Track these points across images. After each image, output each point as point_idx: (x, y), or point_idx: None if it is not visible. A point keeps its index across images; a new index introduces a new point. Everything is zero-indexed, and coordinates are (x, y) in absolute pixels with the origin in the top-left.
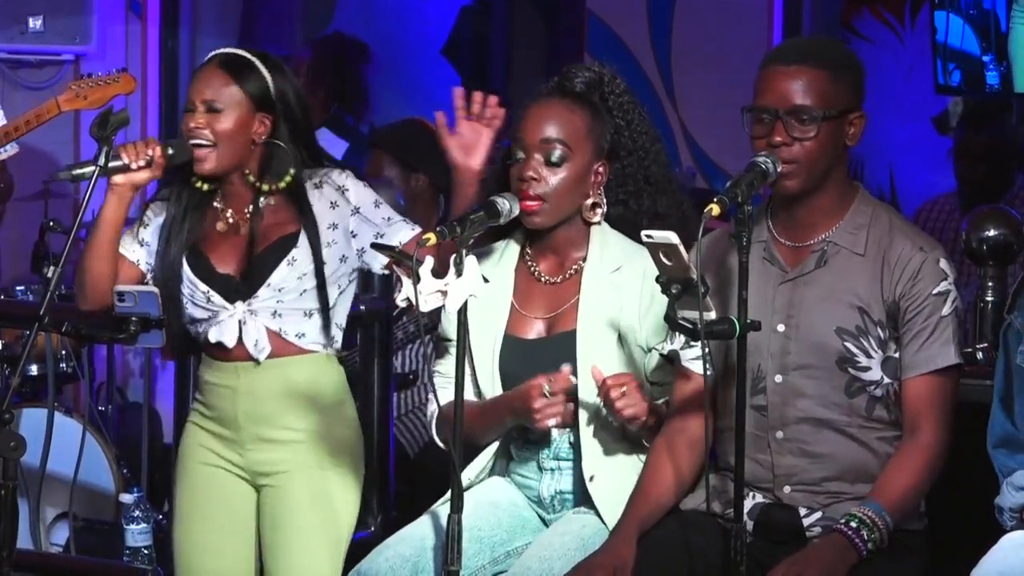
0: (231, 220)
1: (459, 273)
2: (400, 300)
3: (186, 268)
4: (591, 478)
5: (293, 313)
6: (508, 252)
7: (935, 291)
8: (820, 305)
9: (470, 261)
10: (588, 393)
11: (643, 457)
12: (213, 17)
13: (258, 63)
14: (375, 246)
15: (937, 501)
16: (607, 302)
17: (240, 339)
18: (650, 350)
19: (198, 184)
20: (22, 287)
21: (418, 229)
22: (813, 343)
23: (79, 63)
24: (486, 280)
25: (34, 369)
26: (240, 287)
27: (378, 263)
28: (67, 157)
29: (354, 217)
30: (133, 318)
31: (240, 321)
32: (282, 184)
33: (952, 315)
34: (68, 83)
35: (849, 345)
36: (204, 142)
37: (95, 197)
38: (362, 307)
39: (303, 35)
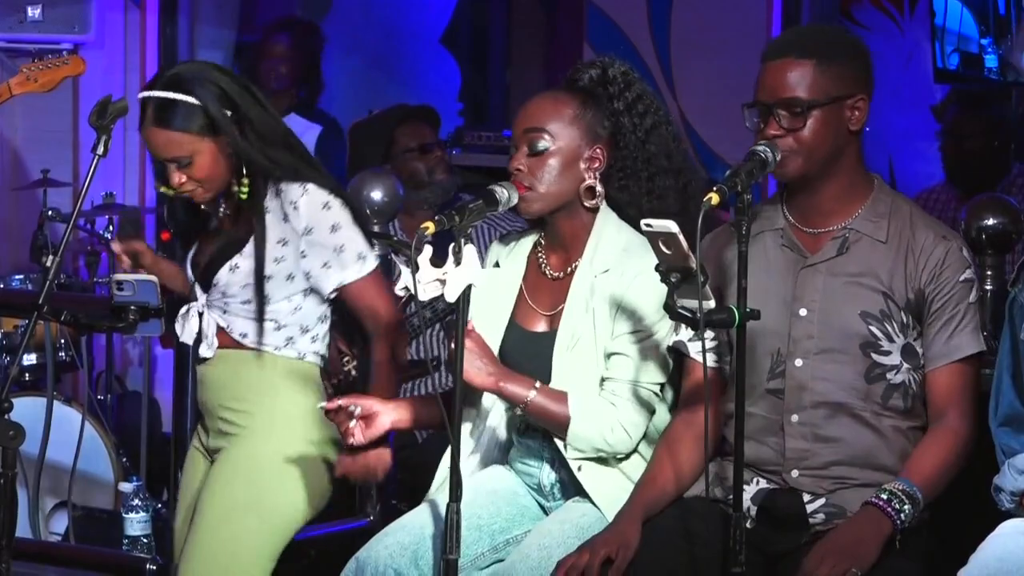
0: (220, 217)
1: (458, 262)
2: (399, 289)
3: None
4: (579, 468)
5: (239, 314)
6: (523, 242)
7: (962, 279)
8: (845, 289)
9: (469, 250)
10: (565, 388)
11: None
12: (212, 6)
13: (183, 97)
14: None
15: None
16: (587, 306)
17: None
18: (610, 355)
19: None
20: (20, 276)
21: (369, 268)
22: (838, 327)
23: (77, 52)
24: (497, 265)
25: (33, 358)
26: (201, 282)
27: (328, 287)
28: (66, 148)
29: (305, 237)
30: (132, 307)
31: (199, 312)
32: (243, 190)
33: (977, 302)
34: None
35: (874, 329)
36: (192, 192)
37: (94, 188)
38: None
39: None
